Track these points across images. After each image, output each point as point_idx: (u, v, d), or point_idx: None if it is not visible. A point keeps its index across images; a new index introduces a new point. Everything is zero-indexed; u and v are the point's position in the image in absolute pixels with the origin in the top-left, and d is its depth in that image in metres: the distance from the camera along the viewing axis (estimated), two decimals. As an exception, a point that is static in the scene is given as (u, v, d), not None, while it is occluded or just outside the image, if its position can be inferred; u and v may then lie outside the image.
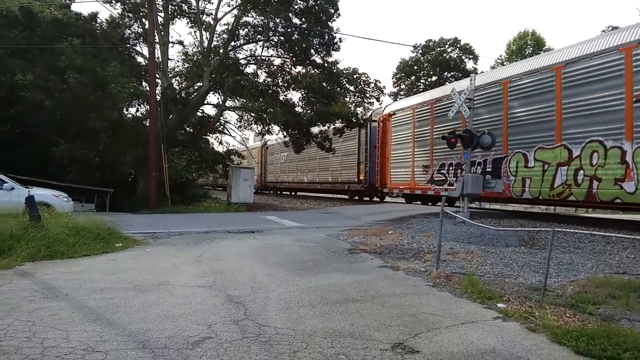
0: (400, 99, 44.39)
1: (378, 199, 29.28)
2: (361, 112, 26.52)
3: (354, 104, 26.92)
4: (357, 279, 7.53)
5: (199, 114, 27.47)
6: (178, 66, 31.09)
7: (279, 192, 46.07)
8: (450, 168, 19.33)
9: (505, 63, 48.07)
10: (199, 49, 26.42)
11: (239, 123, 31.41)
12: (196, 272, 7.88)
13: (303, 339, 4.80)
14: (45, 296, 6.24)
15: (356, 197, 31.04)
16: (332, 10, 24.71)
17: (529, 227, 14.22)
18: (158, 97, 22.30)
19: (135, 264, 8.55)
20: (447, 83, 46.71)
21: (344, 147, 30.43)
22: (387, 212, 18.97)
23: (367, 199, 30.02)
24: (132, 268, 8.12)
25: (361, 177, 28.25)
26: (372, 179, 26.54)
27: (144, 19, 24.82)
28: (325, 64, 25.77)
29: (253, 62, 26.83)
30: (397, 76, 61.25)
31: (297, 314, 5.59)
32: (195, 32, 28.14)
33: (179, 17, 26.81)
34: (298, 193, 43.27)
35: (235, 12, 25.03)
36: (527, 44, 51.01)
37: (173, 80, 27.45)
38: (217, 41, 26.35)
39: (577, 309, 5.89)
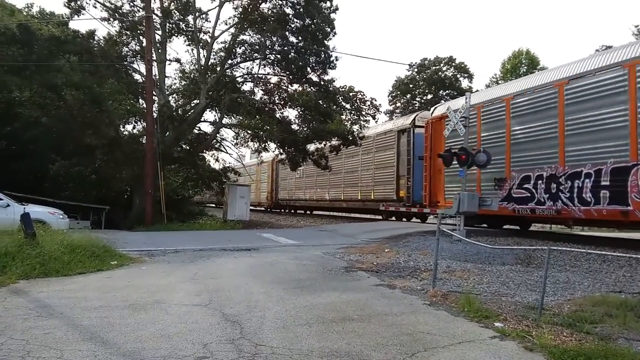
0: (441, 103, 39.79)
1: (419, 220, 25.08)
2: (357, 129, 26.50)
3: (350, 122, 27.02)
4: (353, 297, 7.50)
5: (196, 131, 27.53)
6: (175, 83, 31.27)
7: (292, 211, 42.41)
8: (540, 181, 15.18)
9: (500, 82, 48.40)
10: (196, 66, 26.53)
11: (235, 140, 31.48)
12: (192, 290, 7.83)
13: (299, 358, 4.77)
14: (40, 315, 6.20)
15: (393, 218, 25.82)
16: (329, 29, 24.88)
17: (525, 246, 14.22)
18: (155, 114, 22.35)
19: (130, 282, 8.49)
20: (442, 101, 46.95)
21: (378, 159, 26.63)
22: (384, 229, 18.95)
23: (405, 219, 25.63)
24: (127, 286, 8.07)
25: (401, 194, 23.88)
26: (416, 196, 22.34)
27: (141, 37, 24.95)
28: (322, 82, 25.87)
29: (250, 79, 26.96)
30: (393, 94, 61.65)
31: (293, 333, 5.56)
32: (192, 50, 28.35)
33: (176, 35, 26.96)
34: (316, 212, 39.61)
35: (232, 30, 25.21)
36: (521, 63, 51.44)
37: (170, 98, 27.53)
38: (214, 59, 26.49)
39: (574, 328, 5.88)
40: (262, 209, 45.99)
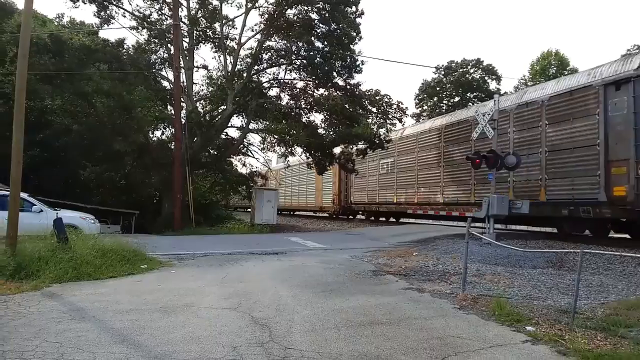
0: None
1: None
2: (384, 133, 26.30)
3: (376, 125, 26.88)
4: (382, 301, 7.47)
5: (223, 136, 27.78)
6: (202, 90, 31.55)
7: (372, 219, 32.25)
8: None
9: (529, 83, 47.77)
10: (223, 73, 26.78)
11: (262, 145, 31.65)
12: (221, 293, 7.89)
13: (329, 361, 4.76)
14: (73, 317, 6.31)
15: (587, 232, 17.72)
16: (354, 34, 24.83)
17: (556, 249, 13.96)
18: (183, 121, 22.63)
19: (160, 285, 8.60)
20: (469, 104, 46.47)
21: (554, 136, 16.39)
22: (411, 233, 18.85)
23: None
24: (157, 289, 8.17)
25: (618, 192, 14.15)
26: None
27: (169, 45, 25.32)
28: (348, 86, 25.83)
29: (276, 85, 27.09)
30: (420, 97, 61.25)
31: (322, 337, 5.55)
32: (219, 56, 28.67)
33: (203, 42, 27.28)
34: (412, 220, 28.78)
35: (258, 36, 25.38)
36: (550, 64, 50.64)
37: (197, 104, 27.82)
38: (241, 65, 26.72)
39: (609, 332, 5.76)
40: (325, 215, 38.66)
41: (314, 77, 25.93)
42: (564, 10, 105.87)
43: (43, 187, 19.72)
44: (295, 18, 24.20)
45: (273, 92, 27.47)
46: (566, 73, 42.82)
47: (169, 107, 27.82)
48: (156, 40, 26.81)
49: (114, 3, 24.72)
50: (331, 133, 26.14)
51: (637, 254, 8.00)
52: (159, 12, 26.33)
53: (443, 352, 5.09)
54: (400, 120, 27.77)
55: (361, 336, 5.61)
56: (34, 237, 10.44)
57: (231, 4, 27.12)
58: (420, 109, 60.95)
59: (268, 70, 26.92)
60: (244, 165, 32.53)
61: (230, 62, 25.88)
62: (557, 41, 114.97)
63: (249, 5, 24.86)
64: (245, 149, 29.99)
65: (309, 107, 26.87)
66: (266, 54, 26.05)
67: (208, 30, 26.86)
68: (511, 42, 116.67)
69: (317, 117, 27.60)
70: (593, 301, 7.62)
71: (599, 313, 6.77)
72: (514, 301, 7.43)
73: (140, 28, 26.52)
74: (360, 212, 33.91)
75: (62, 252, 9.58)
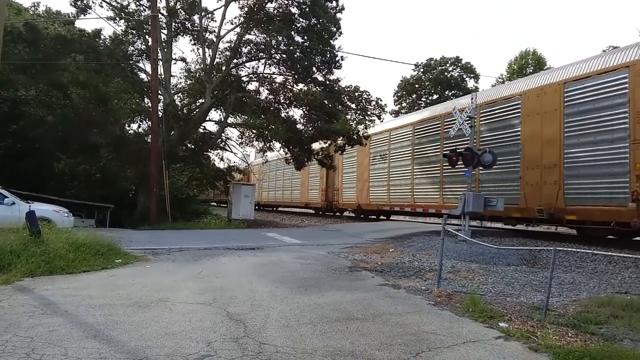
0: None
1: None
2: (362, 129, 26.31)
3: (355, 122, 26.91)
4: (357, 297, 7.49)
5: (201, 130, 27.57)
6: (180, 83, 31.29)
7: None
8: None
9: (506, 82, 48.22)
10: (202, 66, 26.54)
11: (240, 140, 31.48)
12: (196, 289, 7.84)
13: (303, 357, 4.76)
14: (44, 312, 6.21)
15: None
16: (334, 29, 24.81)
17: (530, 246, 14.14)
18: (160, 114, 22.36)
19: (134, 280, 8.50)
20: (448, 101, 46.74)
21: None
22: (389, 229, 18.93)
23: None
24: (131, 284, 8.08)
25: None
26: None
27: (147, 36, 24.99)
28: (327, 82, 25.80)
29: (255, 79, 26.95)
30: (399, 94, 61.54)
31: (297, 332, 5.55)
32: (198, 49, 28.34)
33: (182, 34, 27.00)
34: None
35: (238, 30, 25.19)
36: (528, 64, 51.18)
37: (175, 97, 27.58)
38: (220, 58, 26.50)
39: (580, 329, 5.86)
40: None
41: (293, 72, 25.83)
42: (542, 11, 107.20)
43: (16, 180, 19.35)
44: (275, 12, 24.10)
45: (252, 86, 27.34)
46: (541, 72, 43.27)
47: (146, 99, 27.48)
48: (134, 32, 26.44)
49: (91, -8, 24.31)
50: (310, 128, 26.09)
51: (608, 252, 8.13)
52: (137, 3, 25.96)
53: (417, 348, 5.12)
54: (379, 117, 27.87)
55: (336, 332, 5.62)
56: (6, 230, 10.27)
57: (210, -5, 26.88)
58: (399, 105, 61.26)
59: (247, 64, 26.78)
60: (222, 159, 32.37)
61: (209, 55, 25.67)
62: (534, 41, 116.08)
63: (229, -3, 24.65)
64: (223, 143, 29.84)
65: (288, 102, 26.78)
66: (246, 48, 25.91)
67: (187, 22, 26.59)
68: (490, 41, 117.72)
69: (296, 113, 27.63)
70: (565, 298, 7.75)
71: (570, 310, 6.88)
72: (487, 298, 7.52)
73: (117, 19, 26.13)
74: None
75: (35, 245, 9.44)
